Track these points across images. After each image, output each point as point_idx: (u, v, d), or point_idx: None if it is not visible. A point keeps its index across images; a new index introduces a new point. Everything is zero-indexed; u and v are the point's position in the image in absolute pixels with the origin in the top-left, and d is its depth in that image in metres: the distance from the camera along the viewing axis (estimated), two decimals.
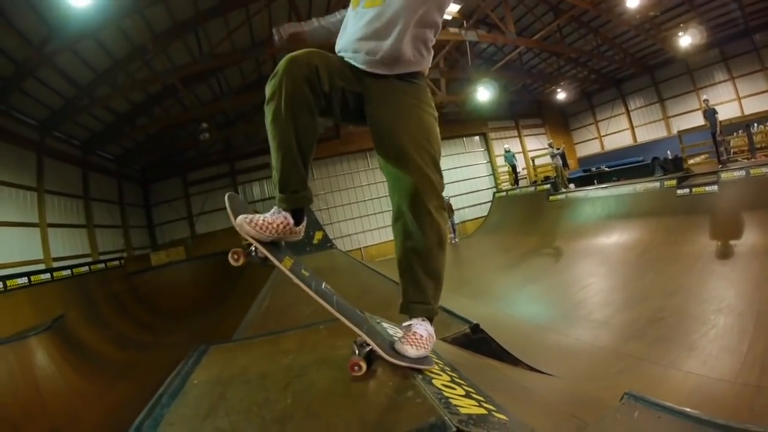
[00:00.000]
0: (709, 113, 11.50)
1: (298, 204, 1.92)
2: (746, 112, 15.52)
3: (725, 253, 7.75)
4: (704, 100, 12.09)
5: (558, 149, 15.51)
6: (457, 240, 15.18)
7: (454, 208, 15.82)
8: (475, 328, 3.81)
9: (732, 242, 7.91)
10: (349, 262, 9.80)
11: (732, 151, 11.55)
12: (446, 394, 1.68)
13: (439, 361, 2.11)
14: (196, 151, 16.49)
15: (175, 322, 11.39)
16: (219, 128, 15.11)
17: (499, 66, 16.75)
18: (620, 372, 4.82)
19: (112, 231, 14.95)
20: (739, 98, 16.66)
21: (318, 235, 12.00)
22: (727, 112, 14.88)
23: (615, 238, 10.47)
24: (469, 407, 1.62)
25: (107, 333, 9.85)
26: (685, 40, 14.95)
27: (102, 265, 12.45)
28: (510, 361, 4.25)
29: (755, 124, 11.66)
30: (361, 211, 15.81)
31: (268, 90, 1.79)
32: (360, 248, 15.48)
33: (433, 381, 1.80)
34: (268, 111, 1.80)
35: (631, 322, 6.14)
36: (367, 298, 6.02)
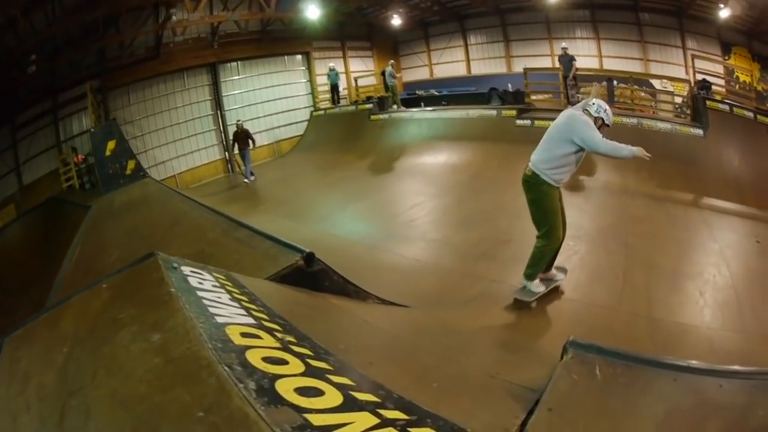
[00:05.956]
0: (566, 59, 11.86)
1: None
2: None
3: (575, 186, 7.60)
4: (563, 47, 12.47)
5: (397, 74, 15.58)
6: (252, 179, 12.14)
7: (265, 128, 15.30)
8: (310, 258, 3.05)
9: (582, 177, 7.84)
10: (161, 191, 8.38)
11: (582, 97, 12.35)
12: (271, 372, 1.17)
13: (261, 314, 1.70)
14: (24, 88, 13.20)
15: (14, 297, 8.87)
16: (48, 59, 12.47)
17: None
18: (478, 297, 4.51)
19: None
20: (600, 56, 17.21)
21: (131, 165, 10.95)
22: (585, 63, 15.23)
23: (443, 159, 10.17)
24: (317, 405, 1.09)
25: None
26: None
27: None
28: (357, 295, 3.61)
29: (615, 81, 12.39)
30: (175, 135, 14.87)
31: None
32: (174, 175, 14.41)
33: (248, 354, 1.27)
34: None
35: (477, 242, 5.88)
36: (177, 229, 4.89)
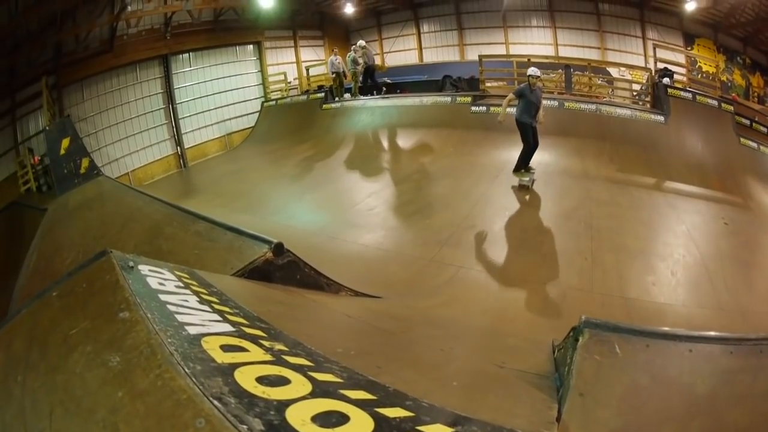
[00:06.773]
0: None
1: None
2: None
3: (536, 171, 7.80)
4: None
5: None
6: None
7: (216, 121, 15.14)
8: (279, 248, 2.80)
9: (540, 161, 7.95)
10: (115, 188, 7.84)
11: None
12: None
13: (238, 317, 1.47)
14: None
15: None
16: (8, 55, 11.72)
17: None
18: (448, 283, 4.42)
19: None
20: (556, 44, 17.49)
21: (85, 163, 10.57)
22: (540, 51, 15.97)
23: (399, 147, 10.24)
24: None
25: None
26: None
27: None
28: (330, 288, 3.37)
29: (571, 69, 12.44)
30: (128, 131, 14.55)
31: None
32: (128, 173, 14.06)
33: (238, 375, 0.99)
34: None
35: (439, 229, 5.83)
36: (131, 226, 4.49)
